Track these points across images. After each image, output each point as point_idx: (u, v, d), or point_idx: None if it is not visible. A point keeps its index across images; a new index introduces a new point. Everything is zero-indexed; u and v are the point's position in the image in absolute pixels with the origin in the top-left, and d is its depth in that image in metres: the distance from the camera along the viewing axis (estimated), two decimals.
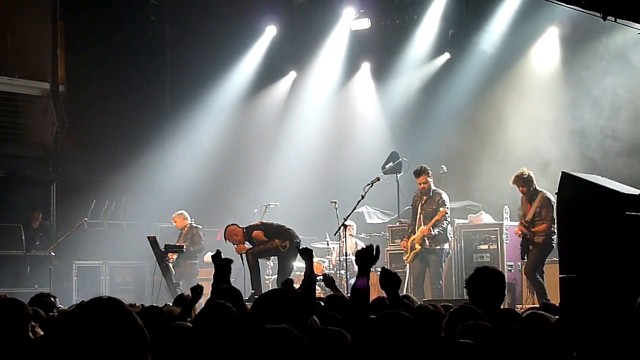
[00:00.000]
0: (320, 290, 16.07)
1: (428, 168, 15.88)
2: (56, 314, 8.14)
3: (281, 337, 3.14)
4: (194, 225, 18.76)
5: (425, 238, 15.48)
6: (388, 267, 16.98)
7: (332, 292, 8.99)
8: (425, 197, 15.73)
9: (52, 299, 9.52)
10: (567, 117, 18.39)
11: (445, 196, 15.70)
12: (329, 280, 8.98)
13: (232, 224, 16.45)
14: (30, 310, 6.65)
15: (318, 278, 9.11)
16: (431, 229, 15.40)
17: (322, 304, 7.84)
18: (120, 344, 2.95)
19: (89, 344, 2.91)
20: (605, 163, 16.97)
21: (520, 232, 14.61)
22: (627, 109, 17.42)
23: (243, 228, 16.25)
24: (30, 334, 6.43)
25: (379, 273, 6.88)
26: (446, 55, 20.72)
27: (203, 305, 6.60)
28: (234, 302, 6.74)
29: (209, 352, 5.45)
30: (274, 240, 15.90)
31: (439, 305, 7.97)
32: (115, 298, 3.10)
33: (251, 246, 16.14)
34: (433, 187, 15.83)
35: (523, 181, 14.66)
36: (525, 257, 14.70)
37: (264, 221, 16.83)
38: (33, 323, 6.66)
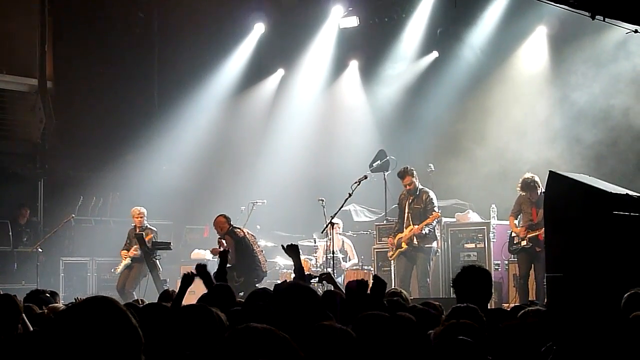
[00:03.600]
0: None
1: (412, 168, 15.85)
2: (46, 311, 8.12)
3: (265, 337, 3.15)
4: (149, 227, 17.77)
5: (414, 237, 15.49)
6: (375, 265, 17.11)
7: (331, 288, 9.01)
8: (412, 197, 15.74)
9: (47, 295, 9.51)
10: (555, 117, 18.44)
11: (433, 195, 15.69)
12: (328, 277, 9.03)
13: (223, 216, 16.45)
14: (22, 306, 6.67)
15: (314, 280, 9.11)
16: (423, 228, 15.41)
17: None
18: (115, 344, 2.96)
19: (83, 343, 2.92)
20: (594, 164, 17.03)
21: (527, 239, 14.65)
22: (613, 110, 17.47)
23: (230, 225, 16.26)
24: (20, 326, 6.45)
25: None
26: (434, 54, 20.73)
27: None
28: (226, 299, 6.77)
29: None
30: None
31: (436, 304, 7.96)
32: (110, 297, 3.10)
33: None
34: (420, 186, 15.83)
35: (528, 187, 14.69)
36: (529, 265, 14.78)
37: (249, 234, 16.61)
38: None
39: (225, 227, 16.21)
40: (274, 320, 5.01)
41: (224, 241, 16.12)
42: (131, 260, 17.45)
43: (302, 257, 17.80)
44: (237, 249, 15.89)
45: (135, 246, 17.40)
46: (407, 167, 15.87)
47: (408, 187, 15.75)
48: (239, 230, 16.40)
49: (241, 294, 9.71)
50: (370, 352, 4.76)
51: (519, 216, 15.09)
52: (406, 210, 15.76)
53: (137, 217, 17.67)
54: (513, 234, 15.03)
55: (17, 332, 6.23)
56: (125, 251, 17.60)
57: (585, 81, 17.81)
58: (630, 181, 14.84)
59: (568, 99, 18.17)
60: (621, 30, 14.93)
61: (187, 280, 7.96)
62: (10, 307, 6.37)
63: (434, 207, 15.57)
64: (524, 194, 14.84)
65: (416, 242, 15.50)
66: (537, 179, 14.60)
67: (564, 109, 18.27)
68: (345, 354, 4.62)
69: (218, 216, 16.47)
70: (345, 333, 4.76)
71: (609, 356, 4.16)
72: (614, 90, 17.44)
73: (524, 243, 14.69)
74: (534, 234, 14.54)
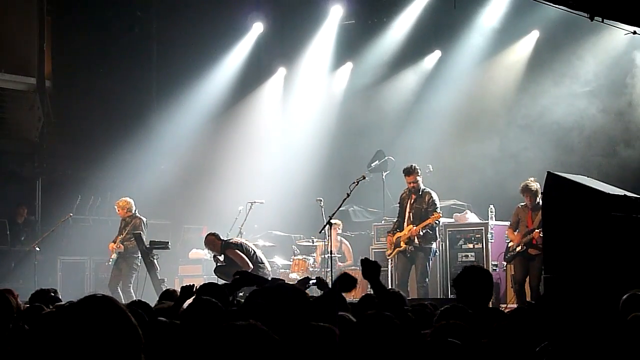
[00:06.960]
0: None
1: (418, 168, 15.79)
2: (54, 309, 8.10)
3: (249, 333, 3.15)
4: (138, 215, 17.76)
5: (414, 236, 15.44)
6: None
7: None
8: (414, 196, 15.66)
9: (52, 294, 9.52)
10: (546, 116, 18.47)
11: (435, 196, 15.55)
12: (322, 283, 9.04)
13: (212, 235, 15.97)
14: (16, 302, 6.64)
15: (311, 282, 9.11)
16: (420, 230, 15.36)
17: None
18: (114, 343, 2.95)
19: (81, 342, 2.91)
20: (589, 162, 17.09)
21: (522, 243, 14.64)
22: (595, 117, 17.57)
23: (222, 240, 15.63)
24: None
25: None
26: (437, 54, 20.73)
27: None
28: (218, 299, 6.75)
29: (194, 348, 5.44)
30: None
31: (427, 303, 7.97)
32: (109, 296, 3.09)
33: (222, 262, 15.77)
34: (423, 187, 15.75)
35: (530, 192, 14.65)
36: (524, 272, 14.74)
37: (245, 242, 16.09)
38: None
39: (217, 244, 15.55)
40: (272, 318, 5.00)
41: (220, 258, 15.73)
42: (117, 255, 17.42)
43: (300, 256, 17.97)
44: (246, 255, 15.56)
45: (118, 241, 17.40)
46: (414, 166, 15.77)
47: (412, 185, 15.64)
48: (233, 240, 16.04)
49: (241, 294, 9.67)
50: (360, 351, 4.75)
51: (517, 229, 15.02)
52: (407, 210, 15.70)
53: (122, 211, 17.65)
54: (510, 243, 15.01)
55: (9, 331, 6.21)
56: (113, 243, 17.55)
57: (568, 85, 17.90)
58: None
59: (554, 103, 18.22)
60: (618, 32, 14.93)
61: (187, 292, 7.90)
62: (3, 305, 6.35)
63: (436, 208, 15.51)
64: (524, 201, 14.80)
65: (417, 242, 15.44)
66: (538, 186, 14.54)
67: (551, 111, 18.32)
68: (330, 353, 4.62)
69: (207, 235, 15.90)
70: (330, 331, 4.76)
71: (605, 357, 4.16)
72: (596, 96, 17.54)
73: (518, 248, 14.68)
74: (528, 239, 14.53)
